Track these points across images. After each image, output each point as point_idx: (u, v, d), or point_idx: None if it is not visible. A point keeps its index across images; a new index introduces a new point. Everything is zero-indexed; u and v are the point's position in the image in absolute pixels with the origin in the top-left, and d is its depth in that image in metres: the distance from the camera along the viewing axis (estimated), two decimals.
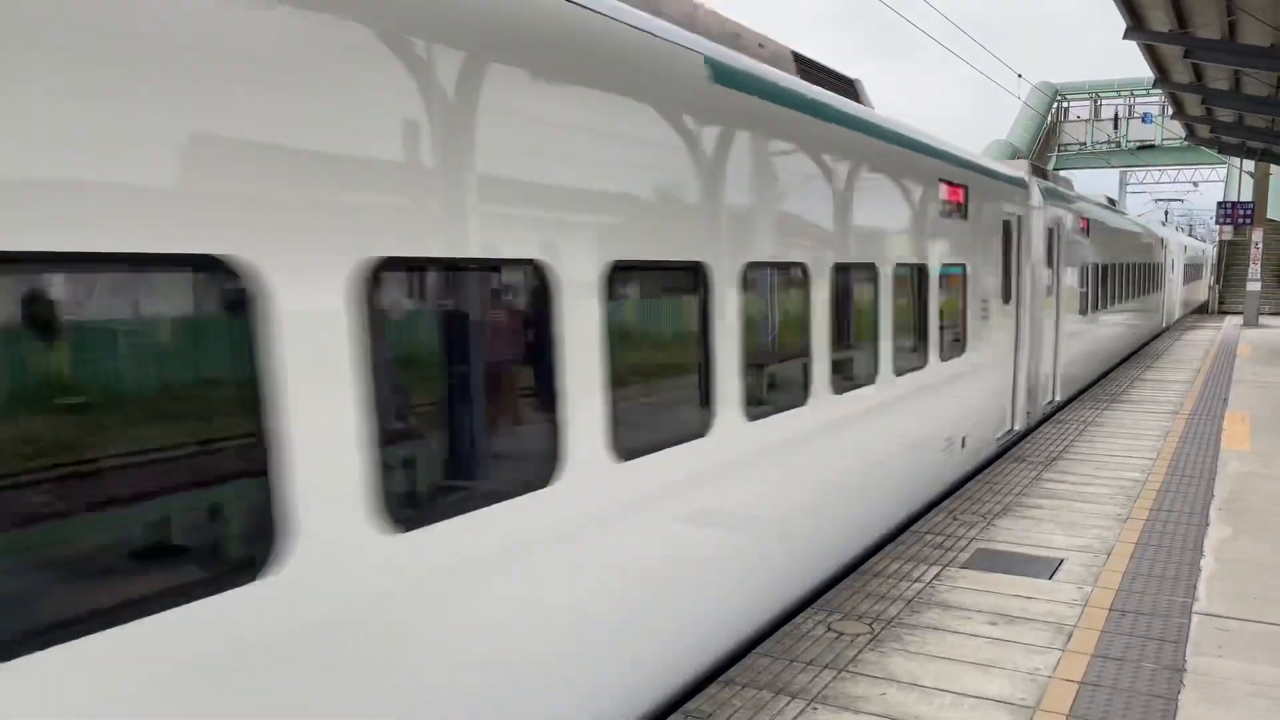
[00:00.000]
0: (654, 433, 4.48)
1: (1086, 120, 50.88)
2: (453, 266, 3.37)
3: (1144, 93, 47.58)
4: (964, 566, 6.56)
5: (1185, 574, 6.32)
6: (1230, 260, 42.98)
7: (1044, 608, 5.79)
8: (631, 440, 4.26)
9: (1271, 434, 11.21)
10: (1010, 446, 11.09)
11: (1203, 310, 42.09)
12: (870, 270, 6.77)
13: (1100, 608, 5.76)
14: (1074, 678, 4.83)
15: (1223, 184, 55.32)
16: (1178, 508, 7.99)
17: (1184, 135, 28.57)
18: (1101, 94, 50.72)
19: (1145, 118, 48.17)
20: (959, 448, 9.13)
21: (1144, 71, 19.43)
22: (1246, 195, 35.28)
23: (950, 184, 8.36)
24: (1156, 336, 27.02)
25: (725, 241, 4.90)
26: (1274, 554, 6.72)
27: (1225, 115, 21.70)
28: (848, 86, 7.32)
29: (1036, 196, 11.55)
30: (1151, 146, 49.67)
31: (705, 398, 4.86)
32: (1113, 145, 50.54)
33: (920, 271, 7.74)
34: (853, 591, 6.09)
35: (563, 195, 3.80)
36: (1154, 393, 15.16)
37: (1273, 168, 32.39)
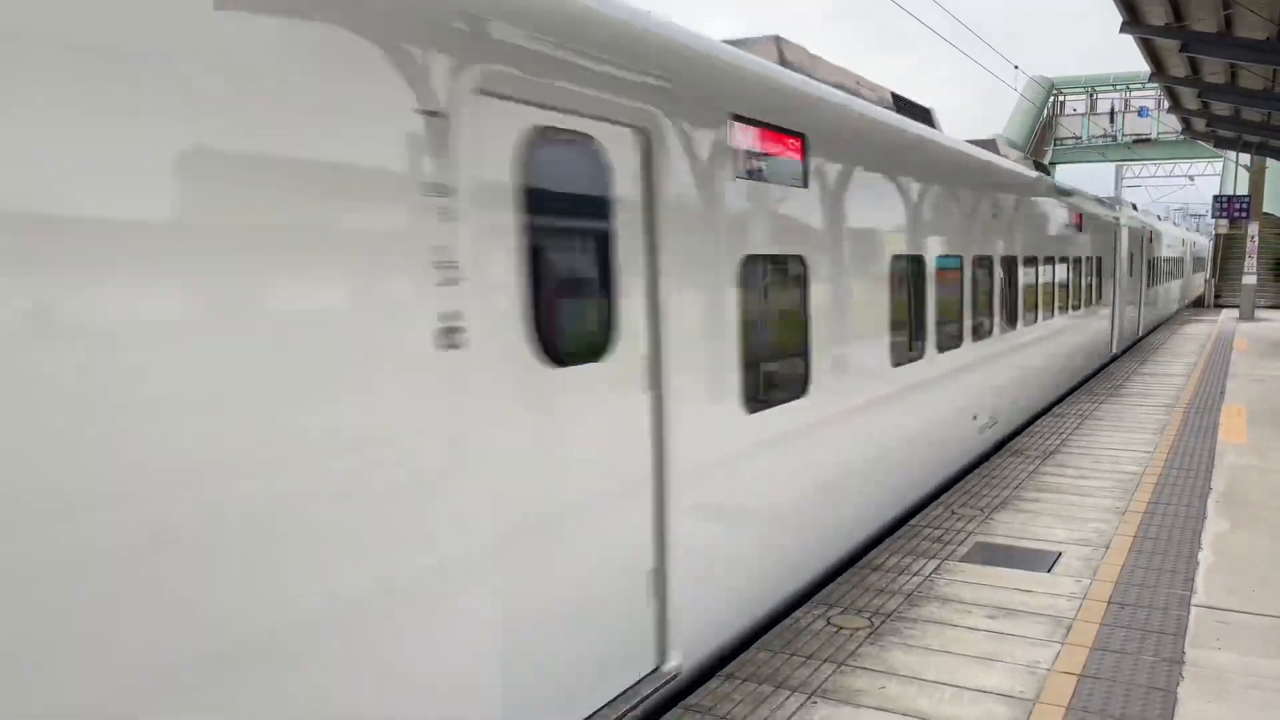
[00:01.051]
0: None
1: (1082, 114, 50.93)
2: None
3: (1140, 87, 47.60)
4: (963, 560, 6.57)
5: (1183, 567, 6.33)
6: (1226, 254, 43.07)
7: (1043, 601, 5.80)
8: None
9: (1269, 427, 11.24)
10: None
11: (1199, 304, 42.19)
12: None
13: (1099, 601, 5.77)
14: (1073, 670, 4.84)
15: (1219, 178, 55.41)
16: (1175, 501, 8.01)
17: (1180, 129, 28.58)
18: (1098, 88, 50.76)
19: (1142, 112, 48.20)
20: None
21: (1140, 66, 19.42)
22: (1243, 189, 35.30)
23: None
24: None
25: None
26: (1272, 547, 6.74)
27: (1221, 109, 21.71)
28: (925, 114, 9.24)
29: None
30: (1147, 140, 49.70)
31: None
32: (1109, 139, 50.59)
33: None
34: (851, 585, 6.10)
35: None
36: (1151, 386, 15.19)
37: (1269, 162, 32.44)
